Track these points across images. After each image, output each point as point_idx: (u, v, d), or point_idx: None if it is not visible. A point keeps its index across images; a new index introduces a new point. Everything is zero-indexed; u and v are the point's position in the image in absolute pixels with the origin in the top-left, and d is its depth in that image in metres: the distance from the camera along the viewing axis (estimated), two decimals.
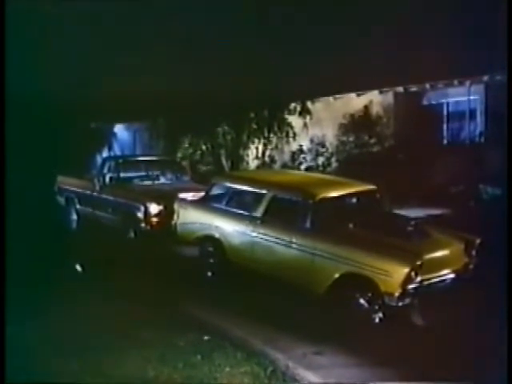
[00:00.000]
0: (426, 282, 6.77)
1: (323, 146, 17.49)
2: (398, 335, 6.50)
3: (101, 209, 11.62)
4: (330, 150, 17.42)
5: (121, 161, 12.83)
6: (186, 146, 17.43)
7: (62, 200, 13.05)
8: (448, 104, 16.59)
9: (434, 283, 6.95)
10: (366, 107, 17.27)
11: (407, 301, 6.66)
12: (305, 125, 17.12)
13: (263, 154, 17.39)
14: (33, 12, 12.43)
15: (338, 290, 7.00)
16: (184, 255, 9.78)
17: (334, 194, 7.96)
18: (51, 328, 6.86)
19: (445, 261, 7.19)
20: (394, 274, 6.57)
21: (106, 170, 11.86)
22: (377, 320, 6.77)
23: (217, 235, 8.60)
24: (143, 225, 10.45)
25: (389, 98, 17.19)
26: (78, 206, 12.49)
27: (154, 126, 19.56)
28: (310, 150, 17.59)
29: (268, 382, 5.72)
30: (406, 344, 6.29)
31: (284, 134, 17.18)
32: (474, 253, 7.52)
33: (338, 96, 17.71)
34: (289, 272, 7.61)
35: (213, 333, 6.78)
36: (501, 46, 7.26)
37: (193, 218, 9.11)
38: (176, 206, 9.43)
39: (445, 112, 16.67)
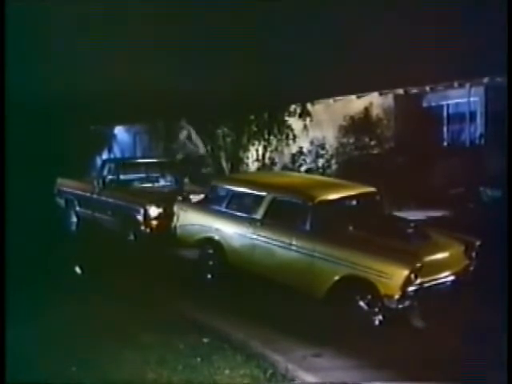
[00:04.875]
0: (425, 285, 6.76)
1: (323, 148, 17.48)
2: (398, 337, 6.51)
3: (100, 211, 11.60)
4: (329, 152, 17.40)
5: (120, 163, 12.82)
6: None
7: (61, 202, 13.03)
8: (448, 106, 16.61)
9: (434, 285, 6.93)
10: (366, 109, 17.28)
11: (407, 303, 6.65)
12: (305, 127, 17.10)
13: (263, 156, 17.37)
14: (33, 12, 12.42)
15: (337, 293, 6.98)
16: (184, 257, 9.77)
17: (334, 196, 7.95)
18: (51, 330, 6.85)
19: (445, 263, 7.17)
20: (393, 277, 6.56)
21: (105, 172, 11.85)
22: (376, 322, 6.76)
23: (217, 237, 8.59)
24: (143, 227, 10.43)
25: (389, 100, 17.20)
26: (77, 208, 12.47)
27: (153, 128, 19.57)
28: (309, 152, 17.57)
29: None
30: (406, 346, 6.29)
31: (284, 136, 17.16)
32: (474, 255, 7.50)
33: (338, 98, 17.72)
34: (288, 274, 7.60)
35: (212, 335, 6.77)
36: (501, 48, 7.27)
37: (193, 220, 9.10)
38: (176, 208, 9.42)
39: (445, 114, 16.68)
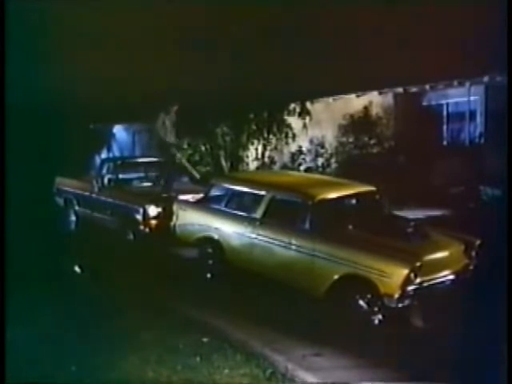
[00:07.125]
0: (425, 284, 6.77)
1: (323, 147, 17.47)
2: (398, 337, 6.49)
3: (99, 210, 11.58)
4: (329, 151, 17.39)
5: (119, 162, 12.78)
6: (185, 147, 17.39)
7: (60, 201, 13.00)
8: (448, 105, 16.58)
9: (434, 284, 6.94)
10: (366, 108, 17.26)
11: (407, 302, 6.65)
12: (304, 126, 17.08)
13: (262, 155, 17.35)
14: (33, 12, 12.41)
15: (337, 292, 6.98)
16: (183, 257, 9.76)
17: (334, 195, 7.94)
18: (50, 329, 6.84)
19: (444, 262, 7.18)
20: (393, 276, 6.56)
21: (104, 172, 11.80)
22: (376, 321, 6.76)
23: (216, 237, 8.58)
24: (142, 227, 10.41)
25: (388, 98, 17.19)
26: (76, 208, 12.44)
27: (153, 127, 19.52)
28: (309, 151, 17.56)
29: (267, 383, 5.70)
30: (406, 345, 6.28)
31: (283, 135, 17.13)
32: (473, 254, 7.51)
33: (337, 97, 17.70)
34: (288, 273, 7.59)
35: (212, 335, 6.76)
36: (501, 47, 7.25)
37: (192, 219, 9.09)
38: (175, 207, 9.41)
39: (445, 113, 16.65)
